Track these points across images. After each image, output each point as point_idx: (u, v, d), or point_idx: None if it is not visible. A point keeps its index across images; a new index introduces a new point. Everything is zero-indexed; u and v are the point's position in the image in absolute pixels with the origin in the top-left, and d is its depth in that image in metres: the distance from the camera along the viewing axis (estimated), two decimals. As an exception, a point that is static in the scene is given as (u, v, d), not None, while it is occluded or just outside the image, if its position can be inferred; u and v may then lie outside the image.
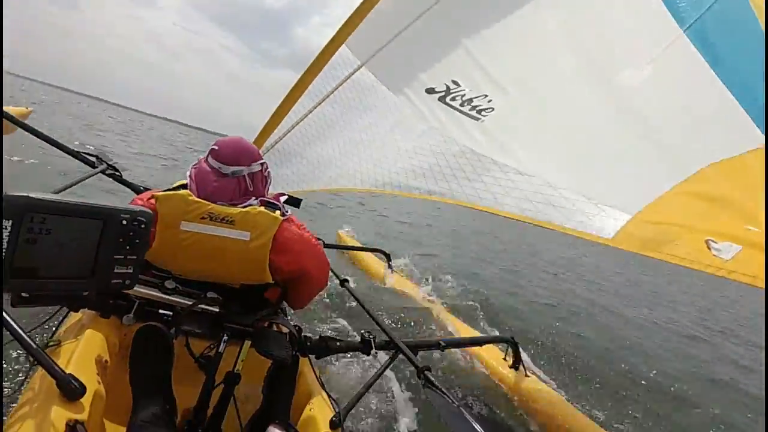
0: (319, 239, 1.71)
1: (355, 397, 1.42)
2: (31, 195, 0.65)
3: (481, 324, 4.48)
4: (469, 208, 2.32)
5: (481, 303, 5.09)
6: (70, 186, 2.09)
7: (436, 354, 2.98)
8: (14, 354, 1.86)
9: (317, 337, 1.62)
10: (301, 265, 1.44)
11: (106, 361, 1.20)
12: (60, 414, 0.91)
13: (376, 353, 1.71)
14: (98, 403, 1.04)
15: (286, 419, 1.29)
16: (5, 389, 1.60)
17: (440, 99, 2.67)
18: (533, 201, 2.00)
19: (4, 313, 1.01)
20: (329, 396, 1.40)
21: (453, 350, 3.09)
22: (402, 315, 3.95)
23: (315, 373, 1.48)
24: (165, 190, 1.40)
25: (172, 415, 1.18)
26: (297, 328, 1.51)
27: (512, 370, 2.70)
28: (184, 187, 1.43)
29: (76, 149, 2.56)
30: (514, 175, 2.15)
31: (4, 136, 3.13)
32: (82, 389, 0.98)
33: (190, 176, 1.45)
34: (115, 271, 0.76)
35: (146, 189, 2.11)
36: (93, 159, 2.61)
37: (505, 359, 2.77)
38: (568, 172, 2.02)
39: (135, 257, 0.77)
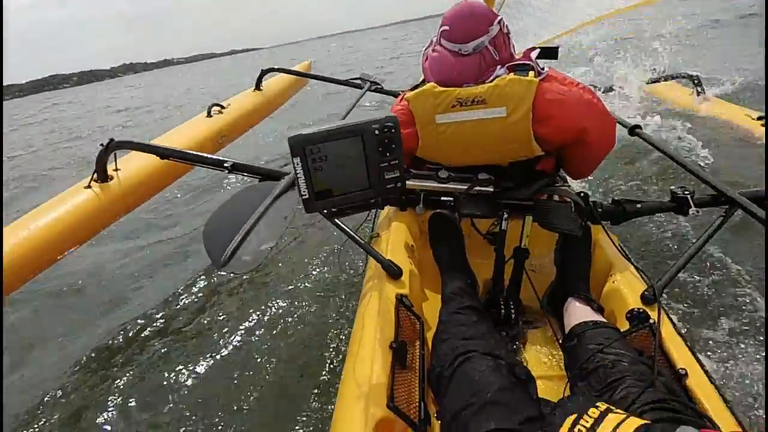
0: (592, 86, 1.45)
1: (674, 269, 1.18)
2: (303, 132, 0.78)
3: None
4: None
5: None
6: (351, 110, 2.48)
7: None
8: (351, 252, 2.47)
9: (609, 200, 1.42)
10: (574, 126, 1.24)
11: (413, 246, 1.44)
12: (390, 290, 1.16)
13: (697, 212, 1.32)
14: (414, 280, 1.27)
15: (586, 292, 1.23)
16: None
17: None
18: None
19: (337, 220, 1.34)
20: (637, 267, 1.22)
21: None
22: (727, 156, 2.95)
23: (614, 242, 1.32)
24: (412, 88, 1.39)
25: (474, 287, 1.33)
26: (582, 195, 1.35)
27: None
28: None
29: (344, 79, 3.07)
30: None
31: (303, 88, 3.99)
32: (400, 270, 1.22)
33: (425, 68, 1.38)
34: (386, 177, 0.86)
35: (403, 91, 2.29)
36: (359, 81, 3.04)
37: None
38: None
39: (396, 161, 0.85)
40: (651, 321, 1.02)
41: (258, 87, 3.28)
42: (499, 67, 1.30)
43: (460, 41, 1.28)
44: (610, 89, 4.02)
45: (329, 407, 1.53)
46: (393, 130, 0.82)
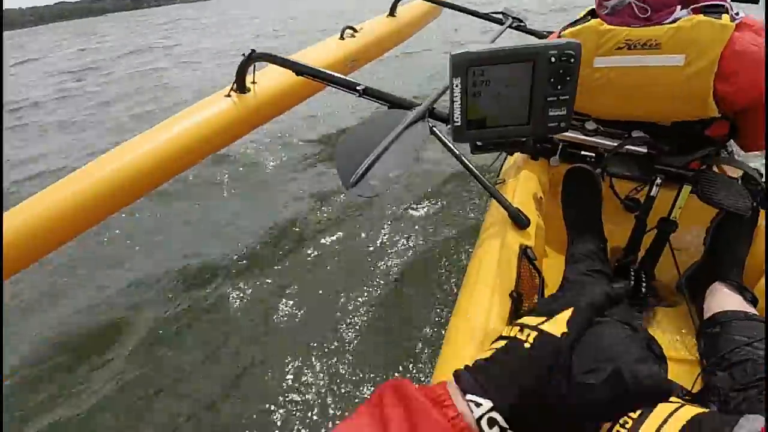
0: None
1: None
2: (469, 50, 0.71)
3: None
4: None
5: None
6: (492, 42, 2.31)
7: None
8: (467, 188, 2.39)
9: None
10: (763, 87, 1.02)
11: (541, 198, 1.35)
12: (514, 239, 1.11)
13: None
14: (540, 233, 1.20)
15: (739, 280, 1.09)
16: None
17: None
18: None
19: (464, 159, 1.29)
20: None
21: None
22: None
23: None
24: (571, 23, 1.25)
25: (604, 252, 1.22)
26: (758, 172, 1.16)
27: None
28: (593, 15, 1.21)
29: (483, 12, 2.82)
30: None
31: (432, 20, 3.81)
32: (527, 221, 1.15)
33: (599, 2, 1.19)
34: (550, 114, 0.77)
35: (549, 33, 2.06)
36: (500, 16, 2.80)
37: None
38: None
39: (567, 96, 0.75)
40: None
41: (392, 13, 3.18)
42: (679, 7, 1.09)
43: None
44: None
45: (434, 349, 1.57)
46: (573, 60, 0.72)
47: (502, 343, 0.47)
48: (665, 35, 1.05)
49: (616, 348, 0.80)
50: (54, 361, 1.87)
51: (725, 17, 1.02)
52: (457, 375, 0.46)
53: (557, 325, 0.46)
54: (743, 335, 0.90)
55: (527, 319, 0.48)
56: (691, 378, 0.95)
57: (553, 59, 0.71)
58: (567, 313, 0.46)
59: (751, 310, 1.01)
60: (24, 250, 1.51)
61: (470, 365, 0.46)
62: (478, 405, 0.42)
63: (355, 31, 2.79)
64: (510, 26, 2.71)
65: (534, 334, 0.45)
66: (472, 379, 0.44)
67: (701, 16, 1.03)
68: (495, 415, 0.42)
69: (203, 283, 2.17)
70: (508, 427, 0.42)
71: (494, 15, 2.84)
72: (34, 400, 1.69)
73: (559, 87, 0.73)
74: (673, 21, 1.07)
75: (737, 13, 1.06)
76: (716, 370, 0.88)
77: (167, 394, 1.65)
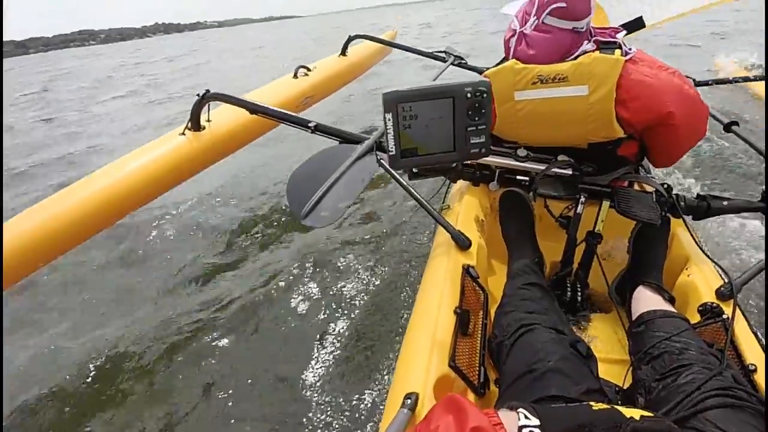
0: (688, 77, 1.37)
1: (755, 268, 1.15)
2: (397, 89, 0.81)
3: None
4: None
5: None
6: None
7: None
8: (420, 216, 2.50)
9: (694, 195, 1.37)
10: (658, 110, 1.20)
11: (482, 220, 1.45)
12: (457, 259, 1.19)
13: None
14: (482, 252, 1.29)
15: (659, 282, 1.21)
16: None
17: None
18: None
19: (407, 185, 1.38)
20: (715, 263, 1.18)
21: None
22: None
23: (694, 237, 1.28)
24: (495, 64, 1.40)
25: (541, 266, 1.33)
26: (665, 186, 1.32)
27: None
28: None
29: (428, 51, 3.05)
30: None
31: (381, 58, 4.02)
32: (469, 242, 1.24)
33: (520, 50, 1.33)
34: (471, 141, 0.87)
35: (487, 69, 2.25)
36: (443, 55, 3.01)
37: None
38: None
39: (484, 125, 0.86)
40: (725, 316, 1.00)
41: (344, 52, 3.34)
42: (586, 42, 1.27)
43: (578, 18, 1.24)
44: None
45: (391, 363, 1.62)
46: (485, 95, 0.83)
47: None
48: (569, 69, 1.21)
49: (543, 350, 0.89)
50: None
51: (617, 52, 1.20)
52: (510, 404, 0.52)
53: (632, 412, 0.52)
54: (663, 331, 1.00)
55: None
56: (623, 375, 1.04)
57: (468, 95, 0.82)
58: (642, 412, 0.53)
59: (669, 308, 1.12)
60: None
61: None
62: (526, 417, 0.48)
63: (309, 70, 2.91)
64: (452, 63, 2.92)
65: (605, 407, 0.52)
66: (528, 404, 0.51)
67: (597, 53, 1.21)
68: (537, 431, 0.47)
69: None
70: None
71: (438, 54, 3.05)
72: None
73: (476, 118, 0.84)
74: (578, 56, 1.24)
75: (631, 48, 1.25)
76: (641, 364, 0.96)
77: None
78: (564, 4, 1.23)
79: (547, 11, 1.25)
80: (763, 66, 4.46)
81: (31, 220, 1.60)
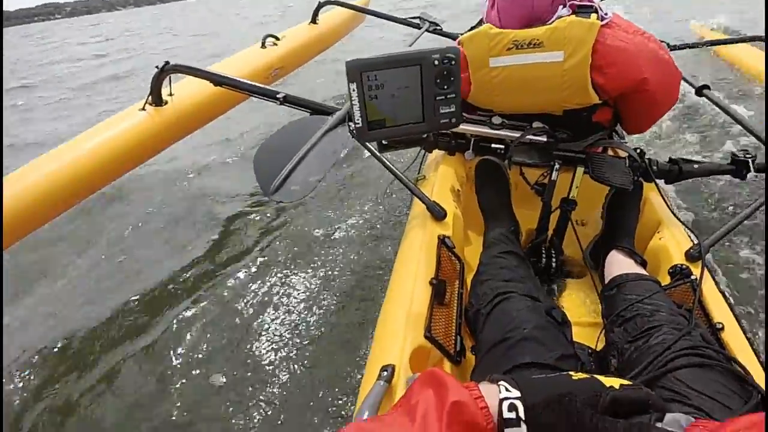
0: (662, 41, 1.35)
1: (724, 229, 1.17)
2: (360, 58, 0.77)
3: None
4: None
5: None
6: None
7: None
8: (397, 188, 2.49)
9: (666, 160, 1.38)
10: (634, 76, 1.18)
11: (458, 190, 1.44)
12: (433, 230, 1.18)
13: (756, 177, 1.31)
14: (457, 222, 1.28)
15: (630, 246, 1.22)
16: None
17: None
18: None
19: (380, 156, 1.34)
20: (685, 226, 1.21)
21: None
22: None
23: (666, 201, 1.29)
24: (468, 30, 1.35)
25: (517, 234, 1.33)
26: (638, 150, 1.32)
27: None
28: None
29: (402, 17, 2.94)
30: None
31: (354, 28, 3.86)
32: (444, 212, 1.22)
33: (491, 16, 1.31)
34: (441, 111, 0.84)
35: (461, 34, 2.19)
36: (417, 21, 2.92)
37: None
38: None
39: (453, 94, 0.82)
40: (693, 277, 1.03)
41: (314, 20, 3.20)
42: (561, 6, 1.22)
43: None
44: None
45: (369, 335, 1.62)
46: (453, 62, 0.79)
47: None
48: (544, 35, 1.17)
49: (519, 318, 0.89)
50: None
51: (593, 16, 1.16)
52: (491, 377, 0.51)
53: (612, 381, 0.52)
54: (634, 294, 1.01)
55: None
56: (594, 338, 1.06)
57: (436, 62, 0.78)
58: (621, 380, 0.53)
59: (641, 271, 1.14)
60: None
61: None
62: (507, 390, 0.47)
63: (277, 39, 2.79)
64: (427, 30, 2.84)
65: (585, 376, 0.51)
66: (508, 377, 0.50)
67: (573, 17, 1.17)
68: (518, 403, 0.46)
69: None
70: (524, 419, 0.46)
71: (412, 20, 2.96)
72: None
73: (445, 87, 0.80)
74: (554, 20, 1.20)
75: (606, 14, 1.20)
76: (613, 327, 0.98)
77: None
78: None
79: None
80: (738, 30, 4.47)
81: None
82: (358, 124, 0.82)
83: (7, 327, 1.99)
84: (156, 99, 1.98)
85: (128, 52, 11.69)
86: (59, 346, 1.88)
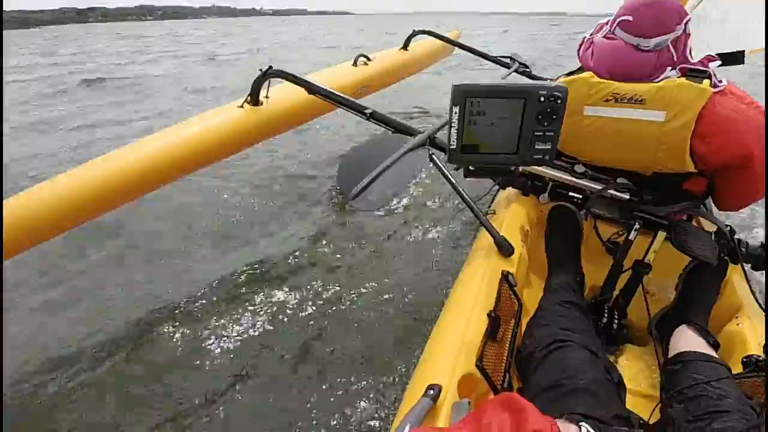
0: None
1: None
2: (467, 83, 0.80)
3: None
4: None
5: None
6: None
7: None
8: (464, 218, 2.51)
9: (758, 243, 1.28)
10: (739, 151, 1.11)
11: (527, 231, 1.42)
12: (497, 264, 1.18)
13: None
14: (522, 262, 1.27)
15: (704, 325, 1.15)
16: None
17: None
18: None
19: (459, 187, 1.37)
20: None
21: None
22: None
23: (750, 287, 1.20)
24: (566, 74, 1.35)
25: (581, 286, 1.29)
26: (729, 228, 1.25)
27: None
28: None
29: (492, 55, 2.99)
30: None
31: (448, 55, 3.98)
32: (511, 249, 1.22)
33: (584, 55, 1.30)
34: (536, 147, 0.85)
35: (549, 79, 2.20)
36: (507, 60, 2.96)
37: None
38: None
39: (552, 132, 0.83)
40: None
41: (405, 47, 3.34)
42: (669, 68, 1.20)
43: (643, 35, 1.18)
44: None
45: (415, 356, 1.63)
46: (559, 101, 0.80)
47: None
48: (649, 92, 1.14)
49: (575, 368, 0.86)
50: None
51: (705, 82, 1.11)
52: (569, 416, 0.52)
53: None
54: (702, 374, 0.95)
55: None
56: (649, 409, 1.00)
57: (542, 98, 0.80)
58: None
59: (712, 353, 1.07)
60: (24, 235, 1.55)
61: None
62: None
63: (368, 59, 2.93)
64: (516, 70, 2.87)
65: None
66: (591, 421, 0.52)
67: (683, 79, 1.13)
68: None
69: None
70: None
71: (502, 59, 3.01)
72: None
73: (546, 124, 0.82)
74: (662, 79, 1.17)
75: (720, 81, 1.15)
76: (672, 403, 0.93)
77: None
78: (630, 18, 1.18)
79: (617, 22, 1.22)
80: None
81: (83, 176, 1.69)
82: (452, 145, 0.85)
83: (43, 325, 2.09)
84: (254, 99, 2.13)
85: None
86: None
